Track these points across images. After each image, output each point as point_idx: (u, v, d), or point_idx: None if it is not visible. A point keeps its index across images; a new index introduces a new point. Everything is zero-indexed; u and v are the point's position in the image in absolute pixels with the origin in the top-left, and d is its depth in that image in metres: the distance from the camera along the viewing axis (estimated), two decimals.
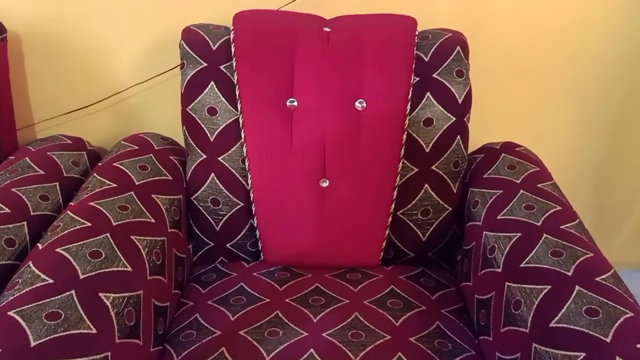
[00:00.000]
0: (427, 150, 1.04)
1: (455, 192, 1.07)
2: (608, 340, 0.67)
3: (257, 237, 1.07)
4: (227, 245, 1.09)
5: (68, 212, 0.89)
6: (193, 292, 1.00)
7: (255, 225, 1.06)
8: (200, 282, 1.03)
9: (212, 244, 1.09)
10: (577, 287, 0.76)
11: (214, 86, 1.03)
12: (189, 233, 1.09)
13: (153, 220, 0.94)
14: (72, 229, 0.84)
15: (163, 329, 0.89)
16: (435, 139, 1.04)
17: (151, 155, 1.08)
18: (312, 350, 0.85)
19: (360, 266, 1.07)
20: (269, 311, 0.93)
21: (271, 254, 1.08)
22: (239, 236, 1.08)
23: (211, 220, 1.07)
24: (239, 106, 1.02)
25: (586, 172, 1.37)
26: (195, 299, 0.98)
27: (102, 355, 0.70)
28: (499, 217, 0.95)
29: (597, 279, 0.77)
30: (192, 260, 1.10)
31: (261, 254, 1.08)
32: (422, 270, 1.07)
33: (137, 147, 1.09)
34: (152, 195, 0.98)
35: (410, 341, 0.88)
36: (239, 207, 1.06)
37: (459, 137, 1.05)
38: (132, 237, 0.87)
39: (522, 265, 0.84)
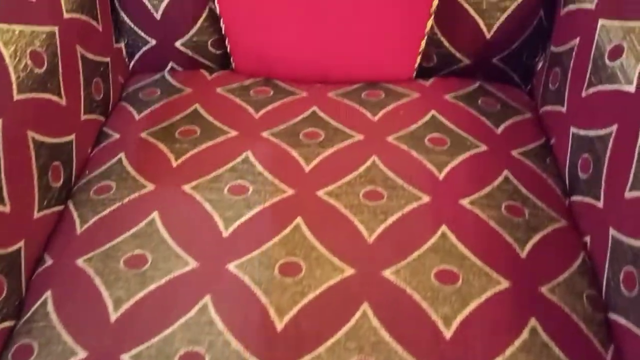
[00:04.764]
0: None
1: None
2: None
3: (223, 31, 0.69)
4: (177, 45, 0.72)
5: None
6: (122, 118, 0.66)
7: (216, 11, 0.67)
8: (136, 102, 0.68)
9: (154, 41, 0.72)
10: None
11: None
12: (116, 24, 0.71)
13: None
14: None
15: (61, 179, 0.57)
16: None
17: None
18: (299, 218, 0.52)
19: (385, 80, 0.70)
20: (236, 151, 0.59)
21: (245, 58, 0.71)
22: (194, 30, 0.71)
23: (146, 3, 0.68)
24: None
25: None
26: (124, 129, 0.64)
27: None
28: None
29: None
30: (127, 67, 0.73)
31: (231, 58, 0.71)
32: (481, 85, 0.70)
33: None
34: None
35: (461, 206, 0.54)
36: None
37: None
38: None
39: None
